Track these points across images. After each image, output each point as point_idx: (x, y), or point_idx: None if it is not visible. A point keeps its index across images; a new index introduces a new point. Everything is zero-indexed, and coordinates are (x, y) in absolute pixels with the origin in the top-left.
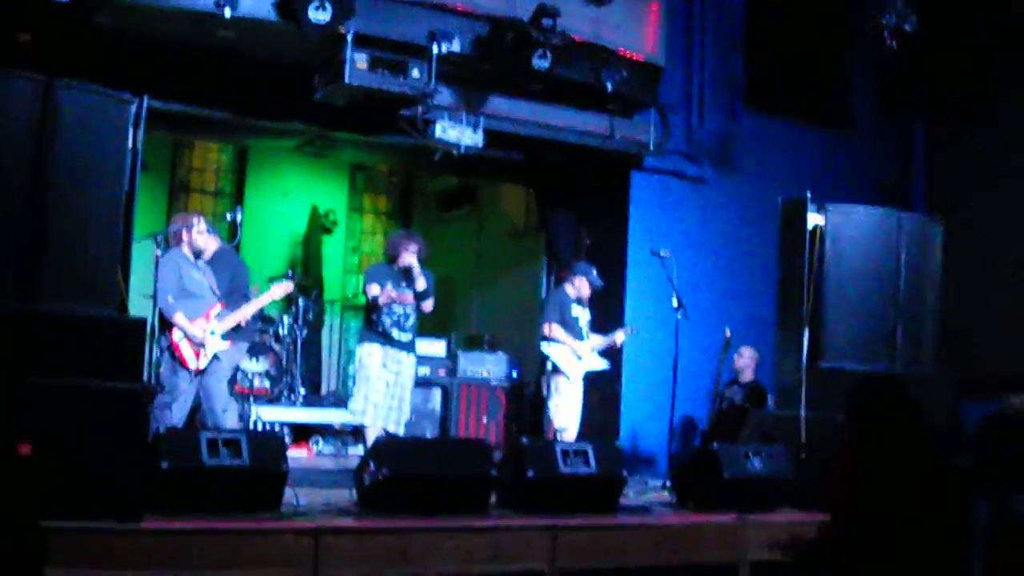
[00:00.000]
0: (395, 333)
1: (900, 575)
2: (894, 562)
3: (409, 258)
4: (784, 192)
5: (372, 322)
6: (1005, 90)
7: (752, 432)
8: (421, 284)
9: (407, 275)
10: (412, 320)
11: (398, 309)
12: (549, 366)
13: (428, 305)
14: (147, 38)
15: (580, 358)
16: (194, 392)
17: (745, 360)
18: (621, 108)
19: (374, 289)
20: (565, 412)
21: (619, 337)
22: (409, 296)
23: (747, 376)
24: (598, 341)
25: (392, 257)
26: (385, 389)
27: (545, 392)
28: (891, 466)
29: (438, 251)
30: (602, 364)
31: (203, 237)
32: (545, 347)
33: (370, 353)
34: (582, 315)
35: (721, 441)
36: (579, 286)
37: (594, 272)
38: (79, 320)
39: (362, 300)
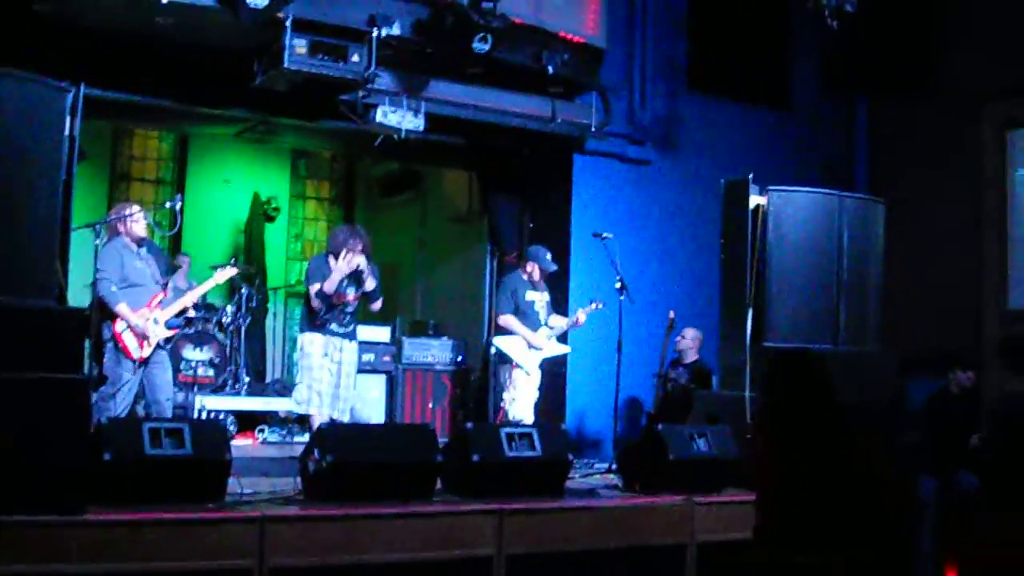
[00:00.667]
0: (334, 327)
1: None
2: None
3: (356, 258)
4: (727, 173)
5: (312, 314)
6: (946, 68)
7: (698, 413)
8: (370, 284)
9: (354, 275)
10: (350, 313)
11: (338, 306)
12: (500, 358)
13: (377, 305)
14: (85, 26)
15: (537, 348)
16: (138, 382)
17: (688, 342)
18: (563, 91)
19: (316, 288)
20: (521, 404)
21: (580, 317)
22: (350, 295)
23: (691, 356)
24: (560, 322)
25: (336, 254)
26: (329, 377)
27: (501, 382)
28: (800, 438)
29: (381, 237)
30: (562, 349)
31: (140, 225)
32: (497, 341)
33: (311, 342)
34: (538, 299)
35: (668, 423)
36: (531, 271)
37: (547, 256)
38: (17, 311)
39: (304, 289)
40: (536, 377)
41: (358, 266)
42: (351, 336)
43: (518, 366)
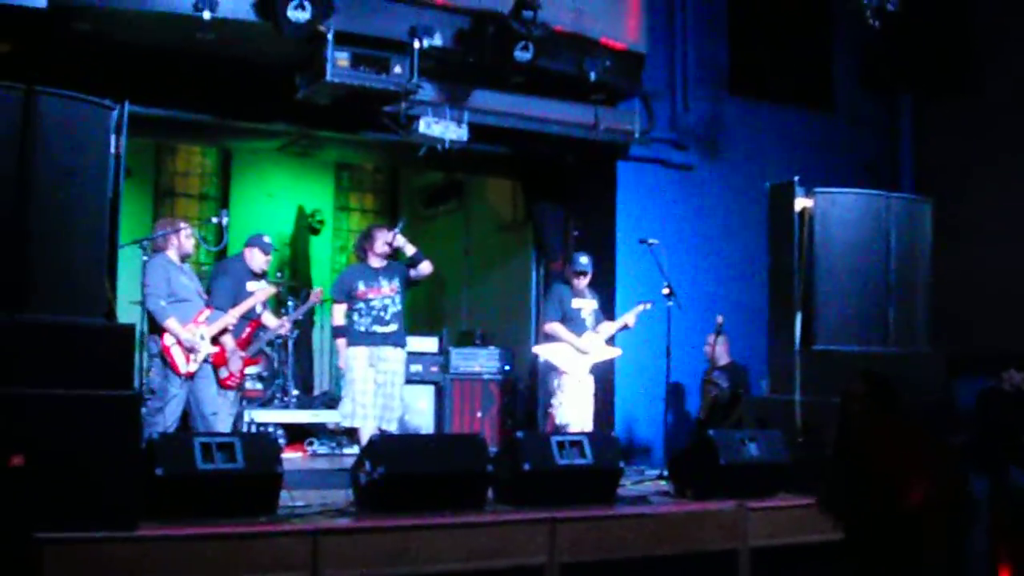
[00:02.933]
0: (377, 328)
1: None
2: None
3: (385, 237)
4: (772, 176)
5: (353, 322)
6: (990, 65)
7: (746, 417)
8: (410, 249)
9: (392, 256)
10: (393, 310)
11: (376, 303)
12: (548, 365)
13: (426, 266)
14: (127, 43)
15: (584, 352)
16: (185, 396)
17: (712, 347)
18: (605, 98)
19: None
20: (569, 409)
21: (629, 319)
22: (385, 287)
23: (724, 359)
24: (609, 328)
25: (366, 252)
26: (375, 388)
27: (549, 390)
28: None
29: (426, 247)
30: (611, 353)
31: (190, 242)
32: (539, 350)
33: (355, 356)
34: (585, 306)
35: (716, 427)
36: (573, 279)
37: (579, 259)
38: (68, 329)
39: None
40: (588, 384)
41: (393, 243)
42: (397, 342)
43: (565, 372)
